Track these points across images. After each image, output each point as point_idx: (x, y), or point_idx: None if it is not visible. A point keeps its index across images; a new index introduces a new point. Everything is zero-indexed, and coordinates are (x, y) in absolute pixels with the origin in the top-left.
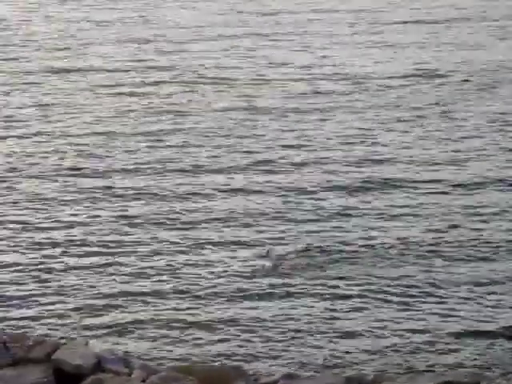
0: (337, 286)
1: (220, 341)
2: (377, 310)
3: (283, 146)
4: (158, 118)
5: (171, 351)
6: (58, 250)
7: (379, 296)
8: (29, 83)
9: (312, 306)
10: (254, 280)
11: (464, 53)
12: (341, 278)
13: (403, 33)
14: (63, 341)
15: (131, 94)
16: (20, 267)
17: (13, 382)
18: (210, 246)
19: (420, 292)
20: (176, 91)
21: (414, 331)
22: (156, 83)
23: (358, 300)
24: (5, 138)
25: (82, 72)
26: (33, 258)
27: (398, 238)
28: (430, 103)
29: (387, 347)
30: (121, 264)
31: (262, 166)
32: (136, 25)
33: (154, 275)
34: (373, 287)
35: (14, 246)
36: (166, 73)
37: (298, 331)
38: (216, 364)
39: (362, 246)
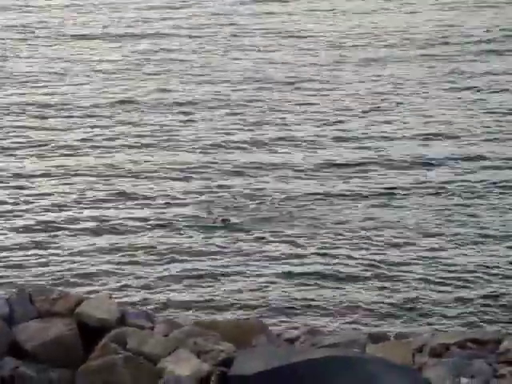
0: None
1: (240, 296)
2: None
3: None
4: None
5: (192, 306)
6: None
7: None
8: None
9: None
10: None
11: None
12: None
13: None
14: (87, 295)
15: None
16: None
17: (37, 335)
18: None
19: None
20: None
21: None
22: None
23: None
24: None
25: None
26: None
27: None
28: None
29: (408, 304)
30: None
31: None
32: None
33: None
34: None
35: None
36: None
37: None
38: (238, 319)
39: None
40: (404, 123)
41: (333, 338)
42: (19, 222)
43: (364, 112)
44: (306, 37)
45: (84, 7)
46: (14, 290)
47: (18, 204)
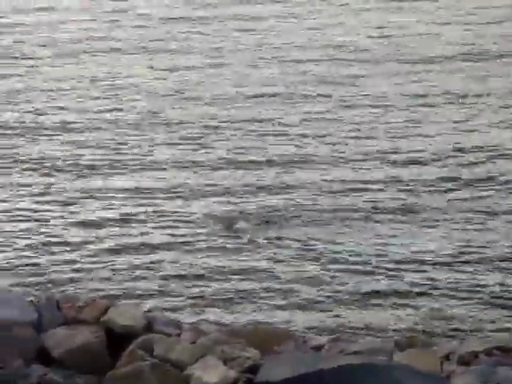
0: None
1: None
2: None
3: None
4: None
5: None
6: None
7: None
8: None
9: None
10: None
11: None
12: None
13: None
14: (114, 302)
15: None
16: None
17: (65, 342)
18: None
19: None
20: None
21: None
22: None
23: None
24: None
25: None
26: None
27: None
28: None
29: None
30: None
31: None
32: None
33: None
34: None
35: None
36: None
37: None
38: (265, 326)
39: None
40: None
41: (359, 345)
42: None
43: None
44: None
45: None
46: (42, 297)
47: None
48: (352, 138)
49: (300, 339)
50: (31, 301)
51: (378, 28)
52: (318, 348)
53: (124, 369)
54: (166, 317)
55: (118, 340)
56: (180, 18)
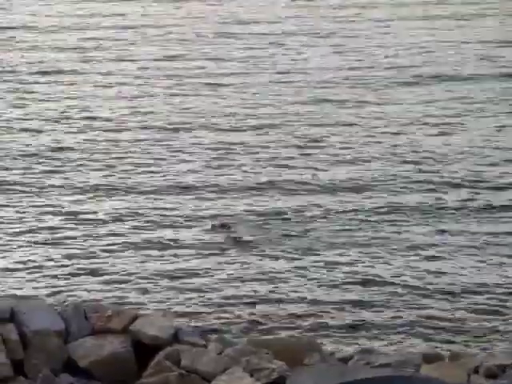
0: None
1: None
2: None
3: None
4: None
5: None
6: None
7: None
8: None
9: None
10: None
11: None
12: None
13: None
14: (141, 312)
15: None
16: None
17: (92, 352)
18: None
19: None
20: None
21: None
22: None
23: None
24: None
25: None
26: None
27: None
28: None
29: (461, 324)
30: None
31: None
32: None
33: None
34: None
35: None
36: None
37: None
38: (291, 337)
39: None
40: None
41: (386, 358)
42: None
43: None
44: None
45: None
46: (69, 307)
47: None
48: None
49: (327, 351)
50: (59, 311)
51: None
52: (345, 360)
53: (151, 379)
54: (192, 327)
55: (145, 350)
56: None
